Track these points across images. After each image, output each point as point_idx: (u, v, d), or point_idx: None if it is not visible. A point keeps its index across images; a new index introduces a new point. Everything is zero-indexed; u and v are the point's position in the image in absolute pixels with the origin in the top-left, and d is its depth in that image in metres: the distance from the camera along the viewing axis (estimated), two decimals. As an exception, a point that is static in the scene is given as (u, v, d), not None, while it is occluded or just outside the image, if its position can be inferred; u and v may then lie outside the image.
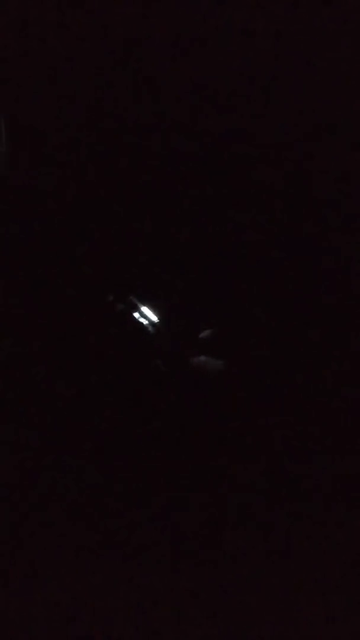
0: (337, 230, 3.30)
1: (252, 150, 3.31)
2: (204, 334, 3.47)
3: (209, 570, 3.09)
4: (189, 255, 3.45)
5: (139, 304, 3.47)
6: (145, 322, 3.46)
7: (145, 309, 3.47)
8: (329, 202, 3.30)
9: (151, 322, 3.45)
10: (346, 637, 2.93)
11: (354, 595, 3.00)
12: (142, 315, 3.47)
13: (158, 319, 3.46)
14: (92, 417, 3.36)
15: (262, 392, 3.36)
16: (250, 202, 3.36)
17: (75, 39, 3.28)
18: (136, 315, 3.47)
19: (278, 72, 3.28)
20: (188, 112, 3.34)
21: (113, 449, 3.33)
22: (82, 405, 3.38)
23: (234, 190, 3.37)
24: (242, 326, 3.44)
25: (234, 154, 3.34)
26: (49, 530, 3.15)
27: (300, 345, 3.35)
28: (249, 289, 3.40)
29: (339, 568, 3.08)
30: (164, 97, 3.34)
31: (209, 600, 3.02)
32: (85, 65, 3.33)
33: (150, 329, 3.45)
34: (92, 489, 3.25)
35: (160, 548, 3.14)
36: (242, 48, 3.26)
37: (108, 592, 3.02)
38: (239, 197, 3.39)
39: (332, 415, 3.34)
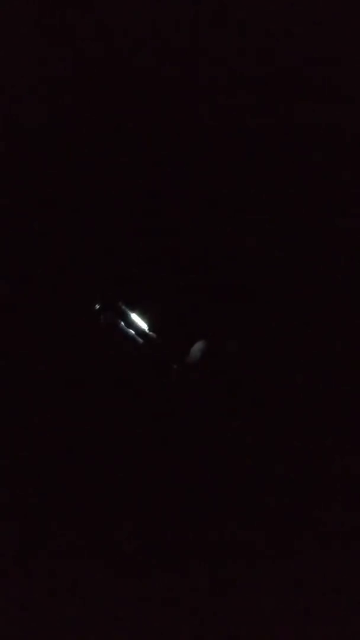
0: (341, 233, 3.31)
1: (254, 150, 3.31)
2: (197, 346, 3.42)
3: (208, 571, 3.11)
4: (188, 257, 3.45)
5: (135, 309, 3.43)
6: (141, 328, 3.41)
7: (141, 314, 3.43)
8: (330, 205, 3.31)
9: (148, 329, 3.41)
10: (346, 637, 2.97)
11: (354, 595, 3.03)
12: (138, 320, 3.42)
13: (156, 325, 3.42)
14: (90, 421, 3.36)
15: (262, 397, 3.36)
16: (250, 203, 3.36)
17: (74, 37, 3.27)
18: (132, 319, 3.43)
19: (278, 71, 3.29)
20: (188, 111, 3.34)
21: (112, 451, 3.33)
22: (80, 407, 3.38)
23: (234, 191, 3.38)
24: (240, 329, 3.44)
25: (236, 154, 3.34)
26: (48, 533, 3.16)
27: (301, 347, 3.36)
28: (249, 292, 3.40)
29: (340, 569, 3.10)
30: (164, 94, 3.33)
31: (209, 601, 3.04)
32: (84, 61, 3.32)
33: (146, 336, 3.41)
34: (90, 493, 3.25)
35: (160, 550, 3.16)
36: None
37: (107, 593, 3.03)
38: (239, 198, 3.39)
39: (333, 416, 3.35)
